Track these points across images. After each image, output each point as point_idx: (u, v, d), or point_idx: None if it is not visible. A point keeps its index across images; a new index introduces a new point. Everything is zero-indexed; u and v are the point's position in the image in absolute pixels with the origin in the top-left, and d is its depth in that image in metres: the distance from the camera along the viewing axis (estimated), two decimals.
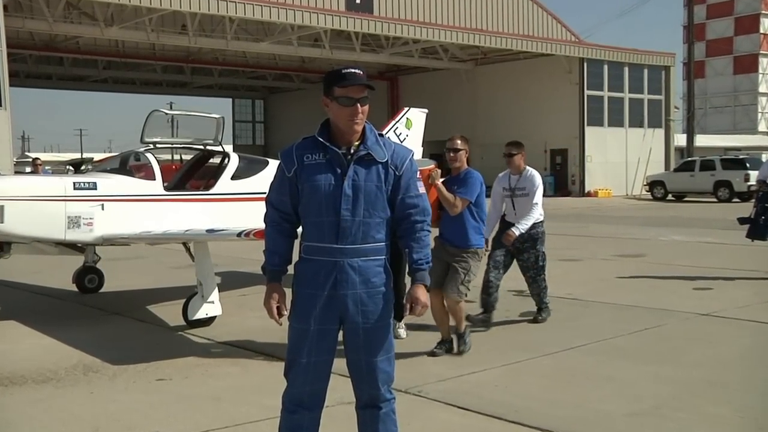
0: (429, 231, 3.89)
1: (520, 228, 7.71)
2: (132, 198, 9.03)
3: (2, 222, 8.15)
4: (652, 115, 41.40)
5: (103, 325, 8.63)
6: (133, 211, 8.95)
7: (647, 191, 36.74)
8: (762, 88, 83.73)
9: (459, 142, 6.88)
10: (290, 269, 3.89)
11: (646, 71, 41.07)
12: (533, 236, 7.94)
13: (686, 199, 34.77)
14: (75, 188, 8.63)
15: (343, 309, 3.71)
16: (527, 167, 8.01)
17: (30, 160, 31.60)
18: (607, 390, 5.86)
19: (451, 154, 6.83)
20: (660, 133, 41.68)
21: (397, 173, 3.78)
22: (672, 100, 43.25)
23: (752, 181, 28.77)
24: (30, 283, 11.50)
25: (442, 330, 6.98)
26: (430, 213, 3.96)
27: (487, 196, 7.29)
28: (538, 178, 7.92)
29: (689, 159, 37.38)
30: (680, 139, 45.69)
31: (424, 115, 12.39)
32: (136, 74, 46.19)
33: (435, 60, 40.47)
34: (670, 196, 35.28)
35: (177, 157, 12.23)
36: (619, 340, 7.50)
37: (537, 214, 7.84)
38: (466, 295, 6.91)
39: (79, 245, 9.44)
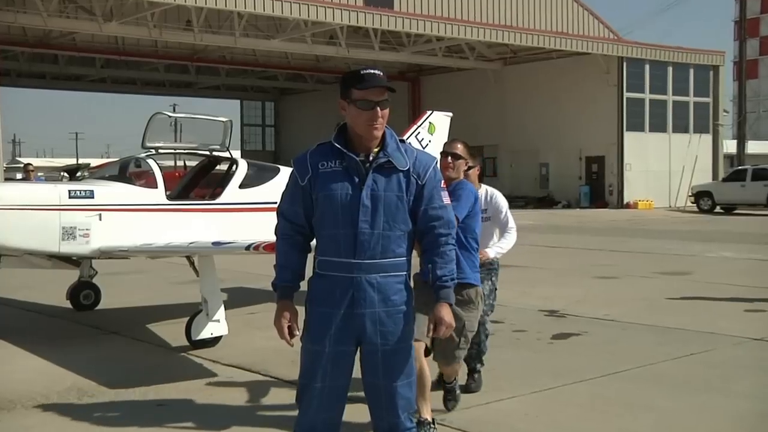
0: (454, 245, 3.90)
1: (496, 250, 6.69)
2: (132, 207, 9.08)
3: None
4: (699, 120, 41.20)
5: (100, 346, 8.67)
6: (132, 222, 9.00)
7: (693, 203, 36.51)
8: None
9: (461, 147, 6.04)
10: (303, 285, 3.91)
11: (692, 71, 40.91)
12: (487, 267, 6.57)
13: (736, 211, 34.54)
14: (70, 197, 8.70)
15: (360, 329, 3.72)
16: (482, 185, 6.85)
17: (21, 165, 31.94)
18: (649, 421, 5.82)
19: (449, 159, 5.91)
20: (707, 139, 41.47)
21: (419, 182, 3.79)
22: (721, 102, 43.03)
23: None
24: (20, 299, 11.58)
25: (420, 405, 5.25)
26: (455, 225, 3.97)
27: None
28: (503, 199, 6.96)
29: (740, 168, 37.15)
30: (730, 146, 45.37)
31: (449, 119, 12.40)
32: (136, 73, 46.57)
33: (460, 59, 40.52)
34: (718, 209, 35.04)
35: (181, 163, 12.32)
36: (661, 366, 7.45)
37: (514, 239, 6.85)
38: (465, 351, 5.99)
39: (75, 258, 9.51)
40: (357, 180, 3.71)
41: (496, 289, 6.70)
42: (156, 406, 6.29)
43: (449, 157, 5.95)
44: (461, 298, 5.52)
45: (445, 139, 12.22)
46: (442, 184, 3.92)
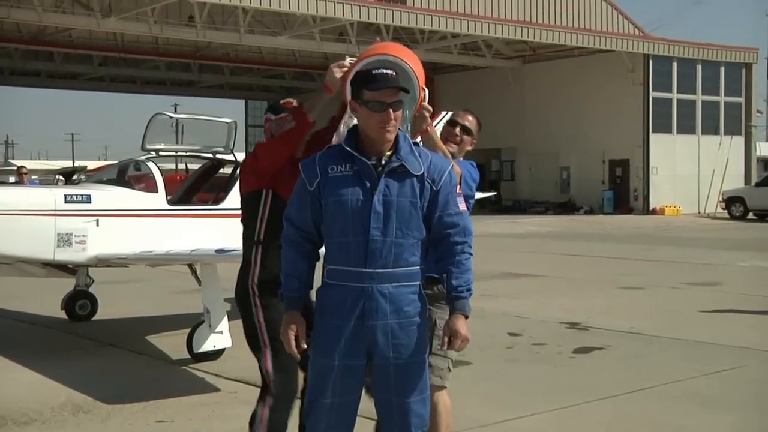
0: (470, 254, 3.89)
1: None
2: (131, 213, 9.11)
3: None
4: (730, 121, 41.04)
5: (96, 358, 8.69)
6: (132, 228, 9.03)
7: (723, 209, 36.40)
8: None
9: (473, 121, 5.21)
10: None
11: (722, 69, 40.76)
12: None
13: None
14: (66, 201, 8.73)
15: (371, 342, 3.71)
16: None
17: (14, 168, 32.11)
18: None
19: (457, 131, 5.11)
20: (739, 141, 41.29)
21: (434, 187, 3.79)
22: (754, 102, 42.84)
23: None
24: (12, 310, 11.61)
25: None
26: (472, 233, 3.96)
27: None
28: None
29: None
30: (763, 149, 45.20)
31: None
32: (136, 72, 46.64)
33: (477, 57, 40.51)
34: (750, 215, 34.93)
35: (182, 166, 12.34)
36: (691, 382, 7.43)
37: None
38: (446, 360, 4.69)
39: (70, 266, 9.54)
40: (368, 185, 3.71)
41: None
42: (155, 423, 6.31)
43: (458, 129, 5.15)
44: (431, 293, 4.22)
45: None
46: (458, 189, 3.91)
